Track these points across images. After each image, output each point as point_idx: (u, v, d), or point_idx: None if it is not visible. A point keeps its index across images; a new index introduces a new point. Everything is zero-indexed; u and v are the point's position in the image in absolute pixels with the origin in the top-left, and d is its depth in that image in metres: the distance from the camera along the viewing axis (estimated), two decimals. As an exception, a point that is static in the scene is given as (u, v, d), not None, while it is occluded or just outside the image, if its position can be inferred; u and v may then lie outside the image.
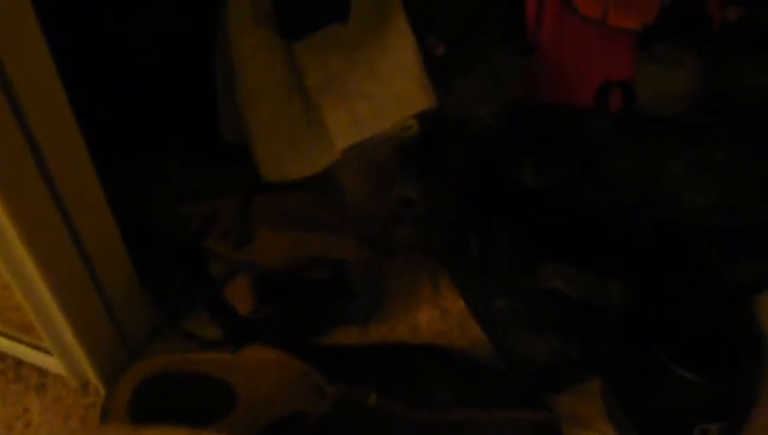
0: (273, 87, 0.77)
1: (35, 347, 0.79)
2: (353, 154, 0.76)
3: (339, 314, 0.80)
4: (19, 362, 0.83)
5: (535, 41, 0.82)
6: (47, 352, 0.77)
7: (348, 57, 0.78)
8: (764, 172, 0.78)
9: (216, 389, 0.66)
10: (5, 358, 0.83)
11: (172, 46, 0.81)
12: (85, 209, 0.67)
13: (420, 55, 0.75)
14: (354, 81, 0.77)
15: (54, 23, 0.57)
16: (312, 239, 0.73)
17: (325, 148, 0.77)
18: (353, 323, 0.82)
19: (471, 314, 0.82)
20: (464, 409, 0.67)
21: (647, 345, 0.66)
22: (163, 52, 0.81)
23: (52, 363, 0.78)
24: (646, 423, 0.69)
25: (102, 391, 0.78)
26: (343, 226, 0.76)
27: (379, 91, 0.75)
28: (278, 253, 0.72)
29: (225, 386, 0.66)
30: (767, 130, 0.79)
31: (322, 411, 0.64)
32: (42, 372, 0.82)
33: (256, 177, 0.80)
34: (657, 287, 0.72)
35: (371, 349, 0.75)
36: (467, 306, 0.81)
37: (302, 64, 0.79)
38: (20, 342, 0.80)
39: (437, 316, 0.85)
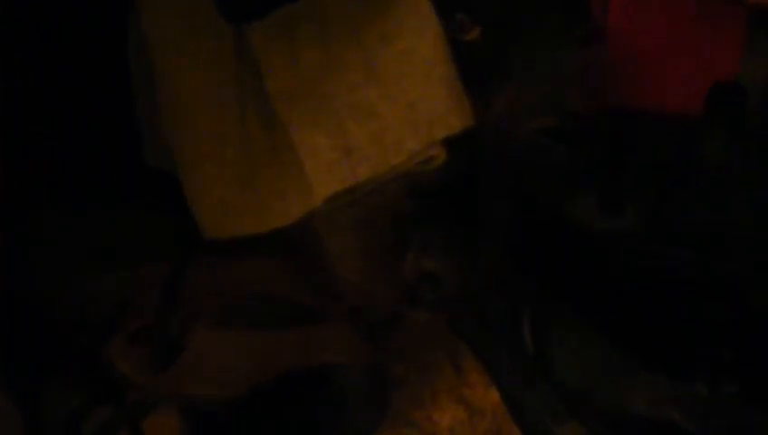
0: (215, 98, 0.50)
1: None
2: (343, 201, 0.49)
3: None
4: None
5: (603, 26, 0.59)
6: None
7: (330, 47, 0.50)
8: None
9: None
10: None
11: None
12: None
13: (447, 45, 0.49)
14: (342, 86, 0.50)
15: None
16: (282, 340, 0.47)
17: (297, 192, 0.50)
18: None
19: (514, 421, 0.57)
20: None
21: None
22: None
23: None
24: None
25: None
26: (331, 309, 0.50)
27: (384, 104, 0.49)
28: (226, 371, 0.45)
29: None
30: None
31: None
32: None
33: (194, 230, 0.53)
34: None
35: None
36: (512, 415, 0.56)
37: (259, 58, 0.51)
38: None
39: (464, 417, 0.61)
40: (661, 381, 0.49)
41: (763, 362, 0.53)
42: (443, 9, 0.49)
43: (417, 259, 0.51)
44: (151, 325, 0.47)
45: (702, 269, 0.56)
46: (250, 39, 0.51)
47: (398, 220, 0.52)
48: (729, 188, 0.58)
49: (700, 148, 0.57)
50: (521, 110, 0.53)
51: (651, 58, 0.60)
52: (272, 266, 0.52)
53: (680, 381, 0.50)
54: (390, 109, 0.49)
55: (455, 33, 0.51)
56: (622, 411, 0.48)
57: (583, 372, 0.51)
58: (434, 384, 0.61)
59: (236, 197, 0.52)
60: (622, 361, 0.51)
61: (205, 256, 0.53)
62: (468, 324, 0.63)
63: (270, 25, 0.51)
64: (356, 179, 0.49)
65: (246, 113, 0.51)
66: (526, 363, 0.53)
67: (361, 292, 0.51)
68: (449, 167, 0.50)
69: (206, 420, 0.49)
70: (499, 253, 0.53)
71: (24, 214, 0.56)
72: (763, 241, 0.56)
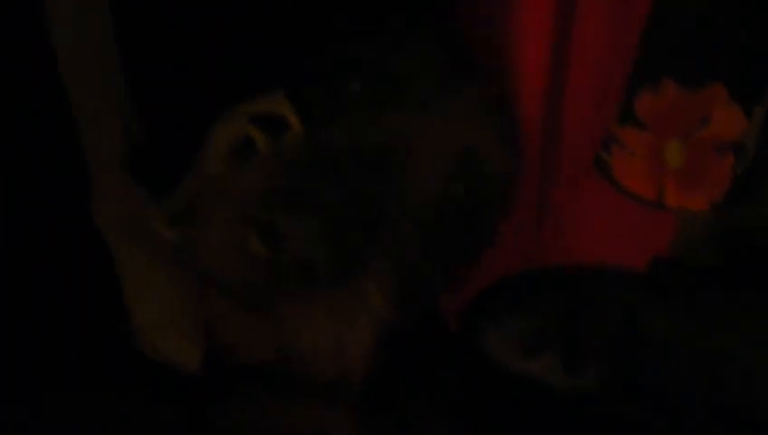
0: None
1: None
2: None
3: None
4: None
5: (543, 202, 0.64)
6: None
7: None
8: None
9: None
10: None
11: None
12: None
13: None
14: None
15: None
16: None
17: None
18: None
19: None
20: None
21: None
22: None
23: None
24: None
25: None
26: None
27: None
28: None
29: None
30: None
31: None
32: None
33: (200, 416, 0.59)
34: None
35: None
36: None
37: None
38: None
39: None
40: None
41: None
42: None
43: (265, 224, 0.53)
44: None
45: (658, 427, 0.62)
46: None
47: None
48: (675, 348, 0.64)
49: (644, 315, 0.64)
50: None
51: (589, 233, 0.66)
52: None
53: None
54: None
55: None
56: None
57: None
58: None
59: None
60: None
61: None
62: None
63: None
64: None
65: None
66: None
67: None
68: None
69: None
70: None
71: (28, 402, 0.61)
72: (710, 400, 0.63)
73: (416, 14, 0.62)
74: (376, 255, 0.55)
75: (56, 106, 0.53)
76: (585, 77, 0.59)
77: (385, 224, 0.55)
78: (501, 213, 0.62)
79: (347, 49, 0.58)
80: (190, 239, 0.56)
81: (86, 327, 0.60)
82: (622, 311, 0.67)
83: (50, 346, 0.60)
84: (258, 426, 0.59)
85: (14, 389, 0.58)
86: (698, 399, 0.64)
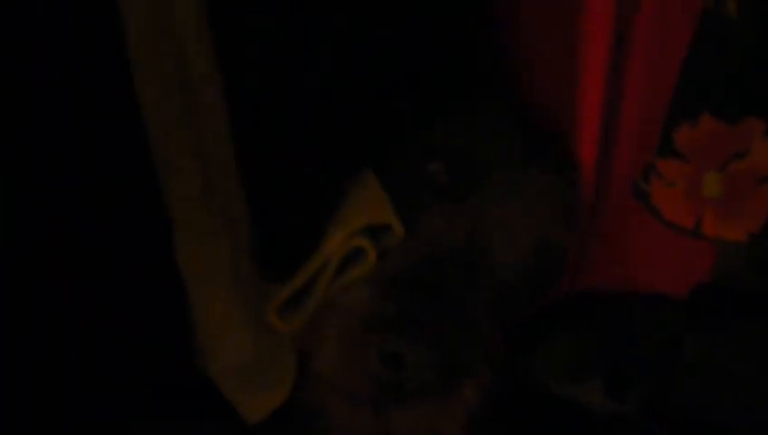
0: (233, 302, 0.60)
1: None
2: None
3: None
4: None
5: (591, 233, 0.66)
6: None
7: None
8: None
9: None
10: None
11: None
12: None
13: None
14: None
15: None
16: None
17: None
18: None
19: None
20: None
21: None
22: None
23: None
24: None
25: None
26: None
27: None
28: None
29: None
30: None
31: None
32: None
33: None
34: None
35: None
36: None
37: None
38: None
39: None
40: None
41: None
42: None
43: (383, 346, 0.58)
44: None
45: None
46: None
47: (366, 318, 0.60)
48: (715, 376, 0.65)
49: (685, 342, 0.65)
50: (491, 227, 0.61)
51: (633, 261, 0.67)
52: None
53: None
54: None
55: (430, 178, 0.61)
56: None
57: None
58: None
59: (259, 383, 0.62)
60: None
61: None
62: None
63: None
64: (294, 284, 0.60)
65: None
66: None
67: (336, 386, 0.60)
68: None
69: None
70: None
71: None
72: (751, 429, 0.63)
73: (485, 86, 0.66)
74: (474, 357, 0.62)
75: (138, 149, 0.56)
76: (634, 109, 0.61)
77: (477, 327, 0.61)
78: (563, 275, 0.67)
79: (426, 134, 0.63)
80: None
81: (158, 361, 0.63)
82: (664, 338, 0.68)
83: (124, 378, 0.62)
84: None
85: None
86: (740, 428, 0.64)
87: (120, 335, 0.60)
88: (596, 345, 0.70)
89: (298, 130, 0.59)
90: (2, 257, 0.54)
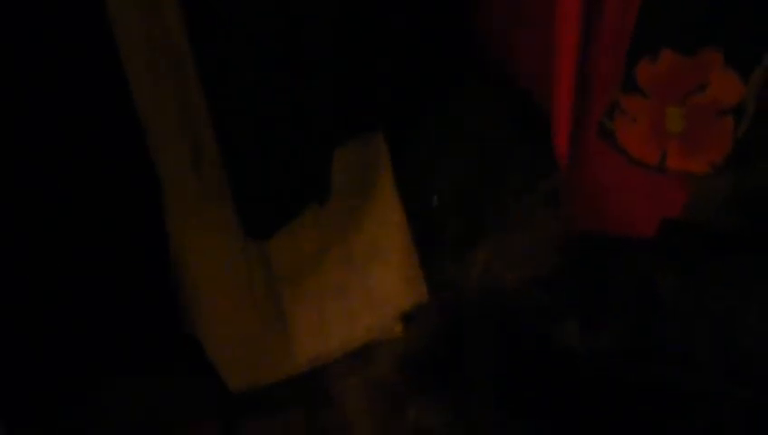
0: (230, 278, 0.61)
1: None
2: (345, 364, 0.60)
3: None
4: None
5: (568, 179, 0.67)
6: None
7: (324, 234, 0.62)
8: None
9: None
10: None
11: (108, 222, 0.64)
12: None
13: (407, 231, 0.61)
14: (329, 268, 0.61)
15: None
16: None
17: (298, 347, 0.62)
18: None
19: None
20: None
21: None
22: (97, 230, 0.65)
23: None
24: None
25: None
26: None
27: (354, 284, 0.60)
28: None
29: None
30: None
31: None
32: None
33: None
34: None
35: None
36: None
37: (270, 247, 0.63)
38: None
39: None
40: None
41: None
42: (420, 196, 0.61)
43: (415, 417, 0.61)
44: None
45: (671, 384, 0.64)
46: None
47: (392, 383, 0.62)
48: (688, 312, 0.66)
49: (658, 281, 0.66)
50: (499, 265, 0.63)
51: (612, 202, 0.68)
52: (299, 423, 0.62)
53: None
54: (357, 289, 0.61)
55: (434, 213, 0.62)
56: None
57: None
58: None
59: (248, 351, 0.63)
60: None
61: (245, 411, 0.63)
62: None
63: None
64: (328, 348, 0.60)
65: (255, 287, 0.62)
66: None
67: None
68: (433, 335, 0.60)
69: None
70: (490, 402, 0.63)
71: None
72: (722, 361, 0.64)
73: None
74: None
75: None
76: (607, 51, 0.62)
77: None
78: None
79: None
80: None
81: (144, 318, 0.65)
82: (638, 277, 0.70)
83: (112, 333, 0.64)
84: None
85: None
86: (711, 360, 0.66)
87: (113, 295, 0.62)
88: (573, 289, 0.71)
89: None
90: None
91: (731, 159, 0.58)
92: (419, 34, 0.64)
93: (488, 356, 0.63)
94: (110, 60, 0.52)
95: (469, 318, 0.62)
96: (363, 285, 0.61)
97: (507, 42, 0.68)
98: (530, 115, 0.65)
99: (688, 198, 0.67)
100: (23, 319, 0.57)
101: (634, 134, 0.58)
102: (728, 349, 0.66)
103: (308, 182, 0.58)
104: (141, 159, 0.55)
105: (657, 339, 0.67)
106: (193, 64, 0.54)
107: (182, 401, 0.63)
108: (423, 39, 0.64)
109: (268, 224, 0.58)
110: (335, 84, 0.58)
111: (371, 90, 0.61)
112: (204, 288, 0.60)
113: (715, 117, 0.56)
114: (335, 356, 0.61)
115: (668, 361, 0.66)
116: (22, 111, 0.53)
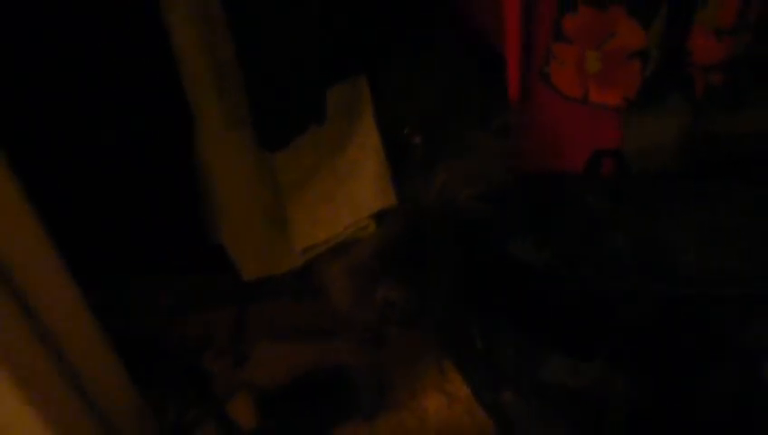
0: (245, 185, 0.77)
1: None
2: (330, 257, 0.75)
3: (344, 414, 0.78)
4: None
5: (519, 117, 0.81)
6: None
7: (319, 152, 0.78)
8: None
9: None
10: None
11: (150, 150, 0.80)
12: (71, 329, 0.66)
13: (381, 153, 0.76)
14: (321, 179, 0.77)
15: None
16: (309, 349, 0.72)
17: (296, 242, 0.78)
18: (360, 419, 0.80)
19: (478, 403, 0.80)
20: None
21: None
22: (141, 157, 0.80)
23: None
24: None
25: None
26: (339, 331, 0.75)
27: (339, 192, 0.75)
28: (276, 368, 0.71)
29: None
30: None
31: None
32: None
33: (246, 285, 0.79)
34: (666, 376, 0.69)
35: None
36: (474, 396, 0.79)
37: (278, 161, 0.79)
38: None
39: (444, 403, 0.83)
40: (565, 361, 0.71)
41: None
42: (394, 123, 0.76)
43: (383, 293, 0.76)
44: (227, 347, 0.73)
45: (597, 286, 0.77)
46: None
47: (369, 268, 0.77)
48: (609, 227, 0.79)
49: (587, 201, 0.79)
50: (455, 183, 0.78)
51: (556, 138, 0.82)
52: (300, 306, 0.78)
53: (579, 360, 0.71)
54: (341, 196, 0.76)
55: (406, 140, 0.77)
56: (537, 381, 0.71)
57: (515, 358, 0.74)
58: (423, 380, 0.84)
59: (259, 249, 0.78)
60: (540, 349, 0.73)
61: (258, 300, 0.79)
62: (446, 340, 0.86)
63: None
64: (316, 240, 0.76)
65: (264, 194, 0.78)
66: (477, 357, 0.76)
67: (353, 317, 0.76)
68: (404, 228, 0.75)
69: (268, 400, 0.74)
70: (445, 285, 0.77)
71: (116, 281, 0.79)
72: (633, 264, 0.77)
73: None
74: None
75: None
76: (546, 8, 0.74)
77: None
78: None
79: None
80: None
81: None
82: (579, 205, 0.83)
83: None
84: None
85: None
86: (635, 264, 0.78)
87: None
88: (528, 214, 0.85)
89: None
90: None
91: (642, 96, 0.72)
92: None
93: (444, 251, 0.78)
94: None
95: (430, 220, 0.77)
96: (346, 193, 0.76)
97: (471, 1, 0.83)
98: (488, 62, 0.80)
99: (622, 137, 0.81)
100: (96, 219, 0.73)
101: (563, 75, 0.73)
102: (647, 255, 0.79)
103: (310, 108, 0.73)
104: (176, 89, 0.71)
105: (591, 250, 0.80)
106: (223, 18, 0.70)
107: (207, 291, 0.79)
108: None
109: (281, 137, 0.73)
110: (329, 36, 0.74)
111: (357, 42, 0.76)
112: (226, 198, 0.76)
113: (626, 59, 0.70)
114: (323, 249, 0.77)
115: (599, 269, 0.79)
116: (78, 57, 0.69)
